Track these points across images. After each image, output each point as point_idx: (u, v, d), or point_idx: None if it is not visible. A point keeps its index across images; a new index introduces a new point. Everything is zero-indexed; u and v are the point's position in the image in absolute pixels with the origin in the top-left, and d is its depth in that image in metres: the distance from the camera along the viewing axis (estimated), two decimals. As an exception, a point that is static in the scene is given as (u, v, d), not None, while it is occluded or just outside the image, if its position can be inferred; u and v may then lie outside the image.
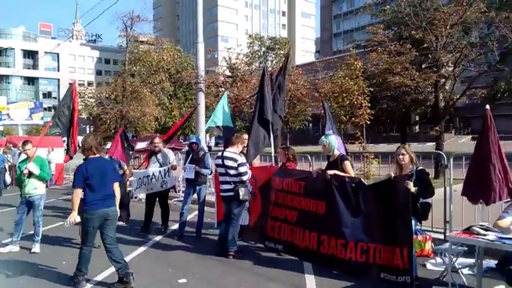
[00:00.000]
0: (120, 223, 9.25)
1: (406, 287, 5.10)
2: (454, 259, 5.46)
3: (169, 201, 9.03)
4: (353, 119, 11.37)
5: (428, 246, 6.03)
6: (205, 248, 7.20)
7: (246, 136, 7.63)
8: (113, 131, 25.07)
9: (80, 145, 5.69)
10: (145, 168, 8.69)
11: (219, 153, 6.95)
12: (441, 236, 6.86)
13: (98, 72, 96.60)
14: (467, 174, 5.23)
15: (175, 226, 8.87)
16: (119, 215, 5.76)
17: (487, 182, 4.93)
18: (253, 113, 8.14)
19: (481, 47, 14.09)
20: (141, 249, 7.30)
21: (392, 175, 5.50)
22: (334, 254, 5.86)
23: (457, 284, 5.22)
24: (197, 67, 14.79)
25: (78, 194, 5.41)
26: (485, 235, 4.52)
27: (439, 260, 6.11)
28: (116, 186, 5.69)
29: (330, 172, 6.01)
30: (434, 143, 14.49)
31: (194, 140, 8.13)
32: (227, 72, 21.11)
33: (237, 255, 6.64)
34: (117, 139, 9.29)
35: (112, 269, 5.70)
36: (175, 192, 9.16)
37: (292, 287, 5.34)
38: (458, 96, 14.38)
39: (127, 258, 6.61)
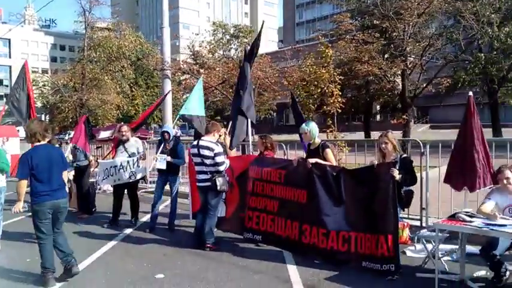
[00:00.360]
0: (85, 216, 8.85)
1: (390, 275, 5.05)
2: (435, 246, 5.48)
3: (138, 193, 8.62)
4: (324, 107, 11.31)
5: (406, 233, 6.06)
6: (181, 240, 6.92)
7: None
8: (70, 120, 24.07)
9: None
10: (113, 158, 8.24)
11: (194, 142, 6.64)
12: (417, 223, 6.91)
13: (53, 59, 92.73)
14: (450, 161, 5.21)
15: (146, 218, 8.53)
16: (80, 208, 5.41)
17: (471, 168, 4.92)
18: (234, 101, 7.86)
19: (447, 37, 14.38)
20: (111, 243, 6.91)
21: (376, 163, 5.42)
22: (316, 244, 5.75)
23: (439, 270, 5.22)
24: (163, 53, 14.27)
25: (22, 185, 4.99)
26: (471, 222, 4.50)
27: (418, 246, 6.13)
28: (65, 175, 5.32)
29: (311, 160, 5.87)
30: (401, 131, 14.71)
31: (166, 129, 7.77)
32: (190, 60, 20.58)
33: (215, 247, 6.41)
34: (81, 127, 8.75)
35: (89, 261, 5.32)
36: (145, 183, 8.76)
37: (277, 279, 5.17)
38: (425, 85, 14.66)
39: (96, 253, 6.29)
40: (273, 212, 6.32)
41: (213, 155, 6.33)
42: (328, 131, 11.47)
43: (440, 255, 5.46)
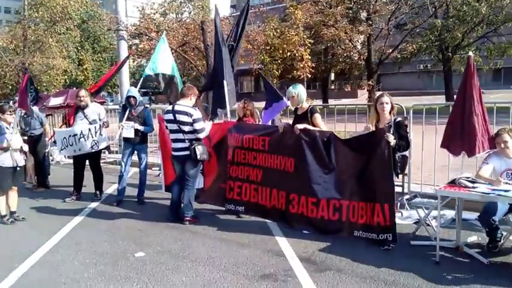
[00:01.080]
0: (41, 189, 8.10)
1: (386, 245, 4.84)
2: (426, 212, 5.34)
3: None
4: (295, 72, 10.87)
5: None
6: (155, 214, 6.40)
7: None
8: (10, 87, 22.12)
9: None
10: (71, 126, 7.44)
11: (169, 107, 6.03)
12: (399, 189, 6.78)
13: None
14: (447, 125, 4.98)
15: (110, 191, 7.91)
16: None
17: (469, 132, 4.72)
18: (215, 63, 7.20)
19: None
20: (77, 219, 6.29)
21: (371, 127, 5.11)
22: (305, 213, 5.45)
23: (432, 237, 5.10)
24: (117, 12, 13.14)
25: None
26: (474, 188, 4.32)
27: (405, 213, 6.01)
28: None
29: (300, 126, 5.46)
30: (355, 99, 14.60)
31: (132, 94, 7.05)
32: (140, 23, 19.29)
33: (194, 221, 5.97)
34: (23, 88, 7.77)
35: (55, 240, 4.71)
36: (109, 153, 8.04)
37: (269, 252, 4.82)
38: (391, 50, 14.57)
39: (62, 231, 5.74)
40: (256, 181, 5.94)
41: (191, 121, 5.78)
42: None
43: (427, 222, 5.34)
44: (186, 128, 5.79)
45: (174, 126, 5.85)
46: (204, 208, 6.54)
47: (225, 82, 6.86)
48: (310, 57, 11.44)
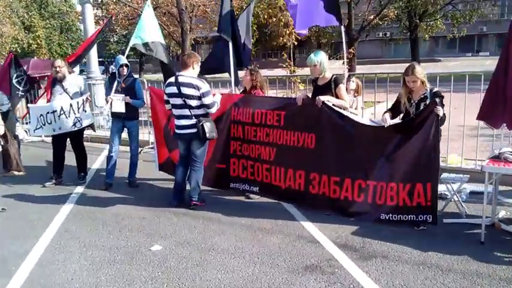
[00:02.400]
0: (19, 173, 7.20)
1: (423, 225, 4.53)
2: (456, 188, 5.09)
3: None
4: (281, 39, 10.24)
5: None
6: (154, 199, 5.79)
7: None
8: None
9: None
10: (48, 101, 6.55)
11: (171, 79, 5.32)
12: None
13: None
14: (486, 94, 4.64)
15: (92, 173, 7.15)
16: None
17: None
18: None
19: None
20: (66, 207, 5.58)
21: (388, 120, 4.62)
22: (326, 194, 5.02)
23: (463, 214, 4.87)
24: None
25: None
26: (524, 162, 4.06)
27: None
28: None
29: (323, 98, 4.94)
30: (347, 67, 14.22)
31: (123, 62, 6.23)
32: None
33: (201, 205, 5.43)
34: (4, 68, 6.78)
35: (49, 234, 4.04)
36: (93, 131, 7.22)
37: (300, 239, 4.40)
38: (373, 17, 14.19)
39: (54, 224, 5.03)
40: (269, 160, 5.43)
41: (199, 94, 5.14)
42: (284, 65, 10.55)
43: (455, 198, 5.10)
44: (194, 103, 5.15)
45: (178, 101, 5.19)
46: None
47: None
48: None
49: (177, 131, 5.36)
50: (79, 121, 6.38)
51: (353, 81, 5.96)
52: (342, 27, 6.93)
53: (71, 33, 37.54)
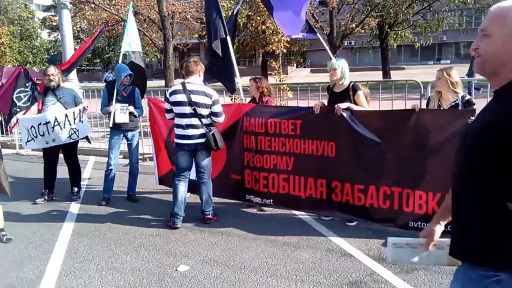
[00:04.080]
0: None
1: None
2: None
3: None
4: (270, 46, 10.08)
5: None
6: (161, 215, 5.41)
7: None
8: None
9: None
10: (39, 111, 6.08)
11: (177, 87, 5.01)
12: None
13: None
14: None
15: (84, 187, 6.72)
16: None
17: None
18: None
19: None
20: (67, 226, 5.16)
21: (418, 106, 4.57)
22: (350, 202, 4.88)
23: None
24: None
25: None
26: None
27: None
28: None
29: (343, 105, 4.82)
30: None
31: (127, 72, 5.88)
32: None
33: (215, 219, 5.18)
34: (10, 84, 6.22)
35: (57, 257, 3.67)
36: (89, 143, 6.75)
37: (331, 253, 4.21)
38: (355, 25, 14.31)
39: (59, 244, 4.56)
40: (287, 170, 5.24)
41: (211, 102, 4.90)
42: (273, 73, 10.41)
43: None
44: (205, 112, 4.90)
45: (187, 110, 4.88)
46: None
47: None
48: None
49: (181, 141, 4.99)
50: (75, 132, 5.96)
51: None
52: (319, 35, 6.98)
53: (32, 40, 36.03)
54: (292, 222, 5.11)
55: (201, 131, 4.92)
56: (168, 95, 5.11)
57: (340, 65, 4.95)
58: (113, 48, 31.61)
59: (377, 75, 24.10)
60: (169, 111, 5.08)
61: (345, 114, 4.82)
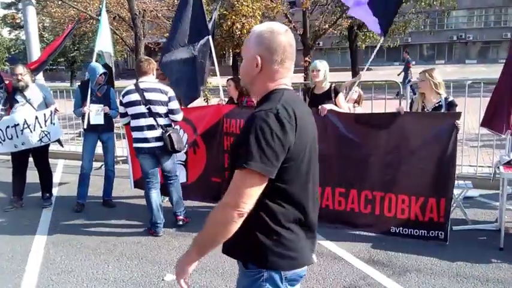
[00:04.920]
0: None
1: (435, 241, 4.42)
2: (461, 195, 5.11)
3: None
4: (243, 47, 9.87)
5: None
6: (140, 220, 5.18)
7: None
8: None
9: None
10: (8, 113, 5.71)
11: (130, 87, 4.75)
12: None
13: None
14: (491, 101, 4.70)
15: (55, 192, 6.38)
16: None
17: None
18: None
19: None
20: (40, 236, 4.85)
21: (403, 110, 4.55)
22: (330, 207, 4.82)
23: (469, 219, 4.89)
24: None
25: None
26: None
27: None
28: None
29: (327, 106, 4.76)
30: (303, 75, 14.27)
31: (102, 70, 5.60)
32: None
33: (188, 220, 5.03)
34: None
35: (33, 268, 3.42)
36: (61, 146, 6.39)
37: (322, 257, 4.12)
38: (328, 26, 14.34)
39: (33, 254, 4.29)
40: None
41: (167, 99, 4.70)
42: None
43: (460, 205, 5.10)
44: (161, 110, 4.67)
45: (142, 109, 4.64)
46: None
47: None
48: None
49: (139, 145, 4.74)
50: (46, 135, 5.64)
51: (355, 91, 5.84)
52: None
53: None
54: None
55: (158, 132, 4.68)
56: (121, 97, 4.87)
57: (324, 67, 4.91)
58: (78, 47, 30.57)
59: (347, 76, 24.34)
60: (124, 114, 4.84)
61: (329, 116, 4.77)
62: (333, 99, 4.93)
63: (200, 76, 5.99)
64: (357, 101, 5.90)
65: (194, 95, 6.18)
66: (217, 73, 5.82)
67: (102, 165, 6.85)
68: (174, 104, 4.77)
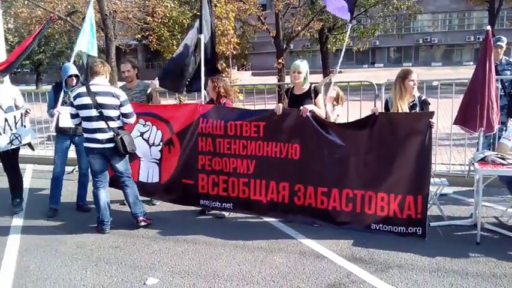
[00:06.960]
0: None
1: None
2: (438, 191, 5.22)
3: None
4: (220, 48, 9.87)
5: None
6: (117, 223, 5.01)
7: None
8: None
9: None
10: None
11: (81, 89, 4.70)
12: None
13: None
14: (463, 100, 4.83)
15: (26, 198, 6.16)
16: None
17: (489, 107, 4.63)
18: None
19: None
20: (12, 242, 4.68)
21: (378, 111, 4.63)
22: (312, 205, 4.85)
23: (445, 215, 4.99)
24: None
25: None
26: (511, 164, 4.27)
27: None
28: None
29: (309, 107, 4.78)
30: (276, 76, 14.31)
31: (74, 72, 5.43)
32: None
33: (150, 221, 4.98)
34: None
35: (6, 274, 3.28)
36: (32, 150, 6.13)
37: (305, 256, 4.12)
38: (301, 28, 14.42)
39: (7, 263, 4.09)
40: (247, 174, 5.09)
41: (119, 103, 4.70)
42: (224, 75, 10.19)
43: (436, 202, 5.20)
44: (113, 113, 4.68)
45: (93, 113, 4.63)
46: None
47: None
48: (233, 32, 10.59)
49: (89, 145, 4.76)
50: (17, 138, 5.44)
51: (334, 89, 5.87)
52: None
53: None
54: (260, 226, 4.97)
55: (109, 134, 4.68)
56: (72, 99, 4.79)
57: (305, 68, 4.93)
58: (44, 49, 29.72)
59: (317, 78, 24.68)
60: (75, 116, 4.79)
61: (310, 116, 4.79)
62: (313, 100, 4.96)
63: (187, 72, 5.91)
64: (336, 100, 5.93)
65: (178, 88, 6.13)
66: (202, 72, 5.75)
67: (73, 169, 6.69)
68: (127, 108, 4.79)
